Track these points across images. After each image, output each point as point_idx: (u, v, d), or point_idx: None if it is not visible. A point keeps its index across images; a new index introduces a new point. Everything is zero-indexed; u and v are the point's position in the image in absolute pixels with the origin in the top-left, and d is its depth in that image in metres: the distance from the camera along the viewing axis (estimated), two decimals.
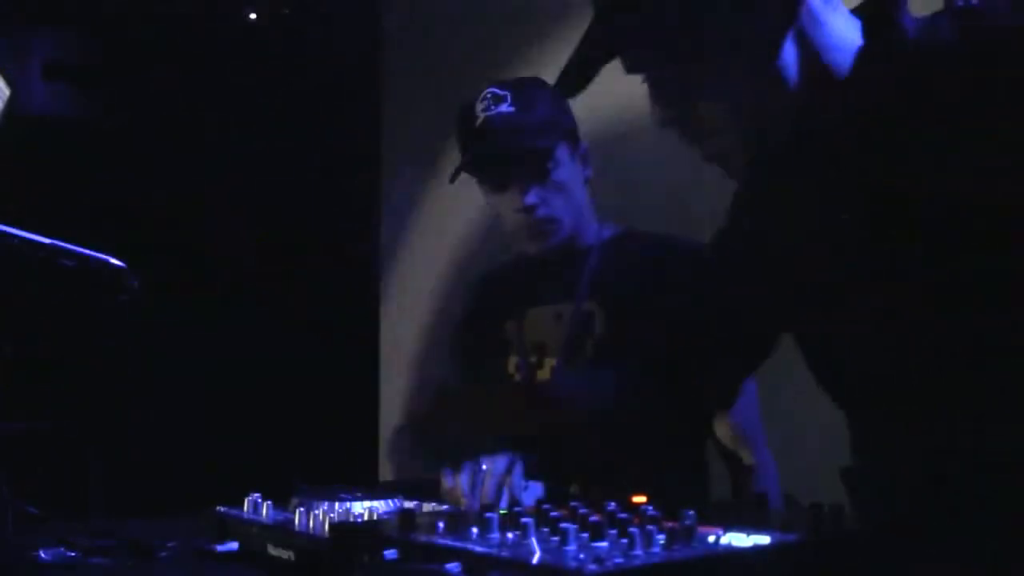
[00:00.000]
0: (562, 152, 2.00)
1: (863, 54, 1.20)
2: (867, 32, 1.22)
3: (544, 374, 2.01)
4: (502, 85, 2.00)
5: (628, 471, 1.44)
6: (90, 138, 3.18)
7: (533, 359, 2.02)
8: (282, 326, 3.50)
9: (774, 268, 1.33)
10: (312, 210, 3.62)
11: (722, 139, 1.21)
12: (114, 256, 1.59)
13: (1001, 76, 1.11)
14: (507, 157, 1.95)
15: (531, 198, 1.97)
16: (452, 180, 2.04)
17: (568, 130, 2.02)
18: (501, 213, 2.04)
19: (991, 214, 1.12)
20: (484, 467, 1.53)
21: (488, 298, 2.19)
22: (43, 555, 1.35)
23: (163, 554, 1.38)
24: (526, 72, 2.16)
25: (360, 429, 3.70)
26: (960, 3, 1.18)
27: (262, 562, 1.29)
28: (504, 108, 1.97)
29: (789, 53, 1.18)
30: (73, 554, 1.36)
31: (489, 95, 1.99)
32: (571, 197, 2.01)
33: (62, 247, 1.56)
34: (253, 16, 3.56)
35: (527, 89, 1.99)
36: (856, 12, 1.25)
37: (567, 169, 2.00)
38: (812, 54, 1.19)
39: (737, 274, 1.40)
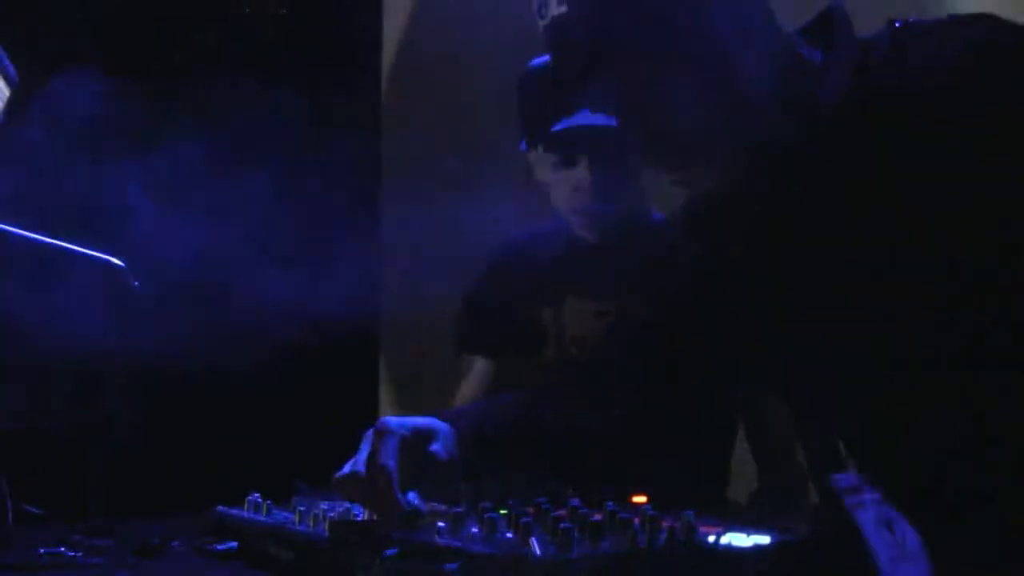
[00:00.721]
0: None
1: (815, 73, 1.23)
2: (817, 52, 1.25)
3: None
4: None
5: (639, 474, 1.41)
6: (90, 138, 3.18)
7: (574, 351, 1.89)
8: (282, 325, 3.50)
9: (745, 279, 1.34)
10: (312, 209, 3.62)
11: (691, 165, 1.24)
12: (114, 256, 1.59)
13: (943, 88, 1.14)
14: (587, 136, 1.78)
15: (600, 184, 1.83)
16: (530, 147, 1.86)
17: None
18: (559, 192, 1.89)
19: (953, 219, 1.14)
20: None
21: (520, 272, 2.00)
22: (43, 555, 1.35)
23: (163, 554, 1.38)
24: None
25: (360, 429, 3.70)
26: (899, 23, 1.21)
27: (262, 562, 1.29)
28: None
29: (749, 74, 1.20)
30: (73, 554, 1.36)
31: None
32: (637, 183, 1.89)
33: (62, 247, 1.56)
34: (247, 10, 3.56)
35: None
36: (804, 33, 1.29)
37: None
38: (772, 75, 1.21)
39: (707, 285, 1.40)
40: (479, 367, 2.05)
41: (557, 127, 1.79)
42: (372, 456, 1.26)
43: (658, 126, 1.22)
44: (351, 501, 1.30)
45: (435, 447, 1.29)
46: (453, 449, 1.30)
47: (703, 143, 1.22)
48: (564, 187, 1.86)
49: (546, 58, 1.85)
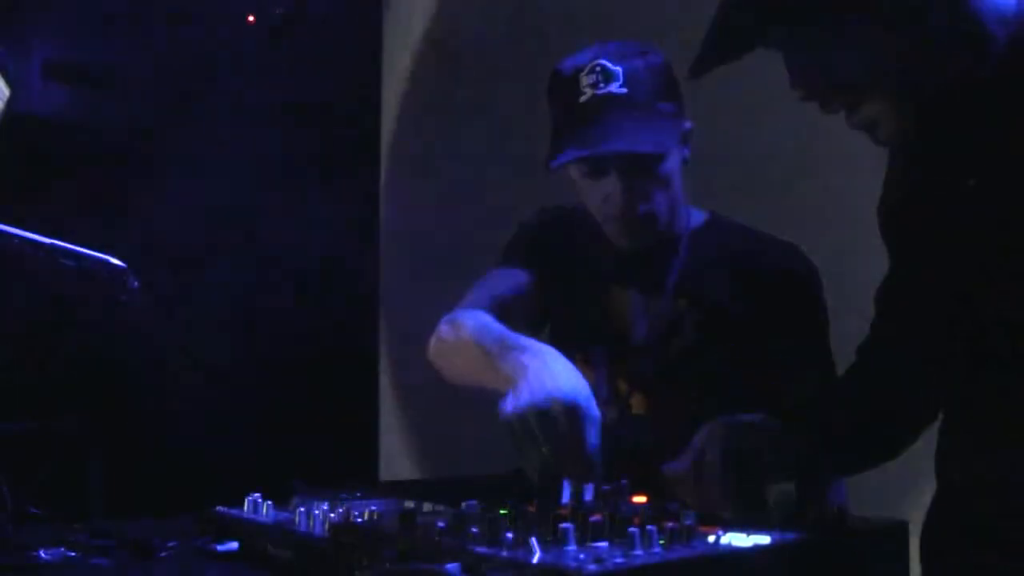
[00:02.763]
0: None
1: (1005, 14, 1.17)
2: None
3: (621, 369, 1.81)
4: (614, 57, 1.74)
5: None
6: (90, 138, 3.18)
7: (611, 344, 1.82)
8: (282, 325, 3.50)
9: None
10: (312, 208, 3.62)
11: (868, 107, 1.18)
12: (114, 256, 1.59)
13: None
14: (616, 155, 1.71)
15: (632, 195, 1.75)
16: (551, 166, 1.75)
17: (678, 111, 1.79)
18: (590, 199, 1.82)
19: None
20: None
21: (560, 249, 1.91)
22: (43, 555, 1.35)
23: (163, 554, 1.38)
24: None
25: (360, 429, 3.70)
26: None
27: (262, 562, 1.29)
28: (615, 88, 1.71)
29: (939, 17, 1.14)
30: (73, 554, 1.36)
31: (599, 68, 1.73)
32: (672, 188, 1.80)
33: (62, 247, 1.56)
34: (251, 19, 3.56)
35: (641, 67, 1.74)
36: None
37: (673, 158, 1.78)
38: (967, 19, 1.15)
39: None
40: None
41: (588, 153, 1.72)
42: None
43: (835, 74, 1.18)
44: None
45: None
46: None
47: (882, 90, 1.17)
48: (595, 195, 1.80)
49: (575, 61, 1.77)
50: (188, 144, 3.36)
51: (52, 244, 1.55)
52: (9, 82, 1.63)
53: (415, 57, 3.73)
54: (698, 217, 1.89)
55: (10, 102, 1.64)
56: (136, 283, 1.58)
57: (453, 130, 3.53)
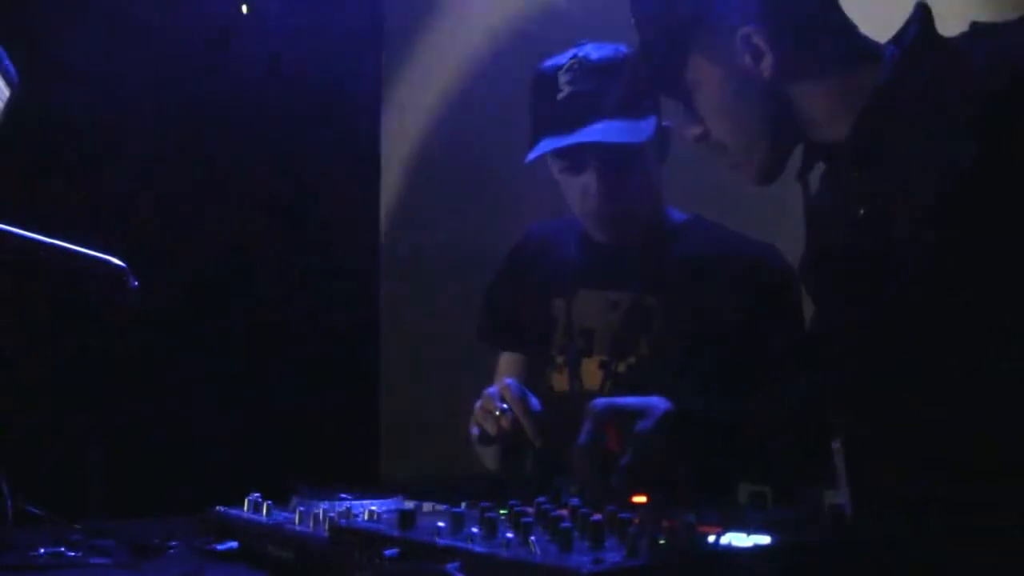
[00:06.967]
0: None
1: (886, 70, 1.26)
2: (895, 49, 1.28)
3: (592, 366, 1.85)
4: (592, 56, 1.80)
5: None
6: (90, 138, 3.18)
7: (580, 343, 1.86)
8: (282, 325, 3.50)
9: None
10: (311, 206, 3.62)
11: (733, 152, 1.35)
12: (114, 256, 1.59)
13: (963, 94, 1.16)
14: (591, 148, 1.76)
15: (609, 190, 1.79)
16: (527, 160, 1.82)
17: (654, 109, 1.82)
18: (570, 195, 1.87)
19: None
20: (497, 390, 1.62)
21: (535, 264, 1.98)
22: (43, 555, 1.35)
23: (163, 554, 1.38)
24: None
25: (360, 429, 3.70)
26: (982, 25, 1.24)
27: (262, 562, 1.29)
28: (592, 86, 1.76)
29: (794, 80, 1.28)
30: (73, 554, 1.36)
31: (576, 65, 1.79)
32: (649, 184, 1.86)
33: (62, 247, 1.56)
34: (244, 9, 3.55)
35: (618, 65, 1.78)
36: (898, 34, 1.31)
37: (650, 154, 1.83)
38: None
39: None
40: (507, 355, 2.01)
41: (563, 143, 1.77)
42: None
43: (714, 131, 1.35)
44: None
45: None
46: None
47: (756, 140, 1.33)
48: (574, 191, 1.85)
49: (555, 61, 1.85)
50: (187, 145, 3.36)
51: (52, 244, 1.55)
52: (9, 82, 1.63)
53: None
54: (679, 217, 1.94)
55: (10, 102, 1.64)
56: (136, 283, 1.58)
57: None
